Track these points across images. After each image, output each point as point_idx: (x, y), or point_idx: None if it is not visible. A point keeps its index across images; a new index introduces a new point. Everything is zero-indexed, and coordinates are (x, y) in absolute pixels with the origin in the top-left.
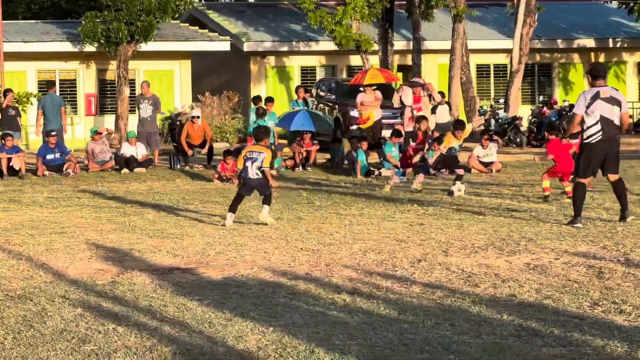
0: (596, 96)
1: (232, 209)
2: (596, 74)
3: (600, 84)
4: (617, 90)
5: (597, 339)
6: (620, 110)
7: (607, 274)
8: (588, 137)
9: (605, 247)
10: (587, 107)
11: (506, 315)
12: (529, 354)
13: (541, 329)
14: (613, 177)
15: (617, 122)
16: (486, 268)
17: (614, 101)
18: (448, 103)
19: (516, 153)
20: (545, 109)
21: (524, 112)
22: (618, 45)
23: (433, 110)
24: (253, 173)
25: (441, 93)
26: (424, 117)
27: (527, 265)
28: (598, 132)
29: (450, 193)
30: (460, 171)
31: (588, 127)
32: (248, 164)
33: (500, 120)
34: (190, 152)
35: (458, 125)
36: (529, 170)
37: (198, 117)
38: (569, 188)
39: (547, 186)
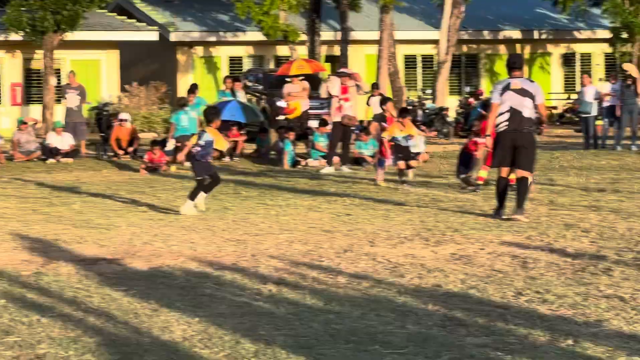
0: (507, 87)
1: (205, 190)
2: (512, 65)
3: (515, 74)
4: (532, 81)
5: (521, 328)
6: (533, 102)
7: (531, 263)
8: (497, 126)
9: (530, 237)
10: (500, 97)
11: (431, 305)
12: (454, 344)
13: (466, 319)
14: (520, 172)
15: (527, 114)
16: (412, 258)
17: (525, 93)
18: (382, 95)
19: (443, 143)
20: (471, 99)
21: (451, 103)
22: (543, 37)
23: (367, 102)
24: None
25: (376, 84)
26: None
27: (452, 256)
28: (505, 121)
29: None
30: (414, 162)
31: (497, 117)
32: (197, 145)
33: (427, 111)
34: (120, 152)
35: (403, 112)
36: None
37: (126, 120)
38: (512, 176)
39: (482, 175)
